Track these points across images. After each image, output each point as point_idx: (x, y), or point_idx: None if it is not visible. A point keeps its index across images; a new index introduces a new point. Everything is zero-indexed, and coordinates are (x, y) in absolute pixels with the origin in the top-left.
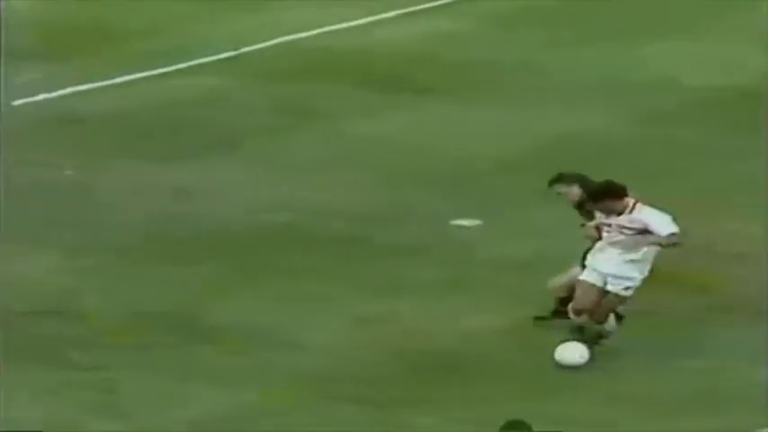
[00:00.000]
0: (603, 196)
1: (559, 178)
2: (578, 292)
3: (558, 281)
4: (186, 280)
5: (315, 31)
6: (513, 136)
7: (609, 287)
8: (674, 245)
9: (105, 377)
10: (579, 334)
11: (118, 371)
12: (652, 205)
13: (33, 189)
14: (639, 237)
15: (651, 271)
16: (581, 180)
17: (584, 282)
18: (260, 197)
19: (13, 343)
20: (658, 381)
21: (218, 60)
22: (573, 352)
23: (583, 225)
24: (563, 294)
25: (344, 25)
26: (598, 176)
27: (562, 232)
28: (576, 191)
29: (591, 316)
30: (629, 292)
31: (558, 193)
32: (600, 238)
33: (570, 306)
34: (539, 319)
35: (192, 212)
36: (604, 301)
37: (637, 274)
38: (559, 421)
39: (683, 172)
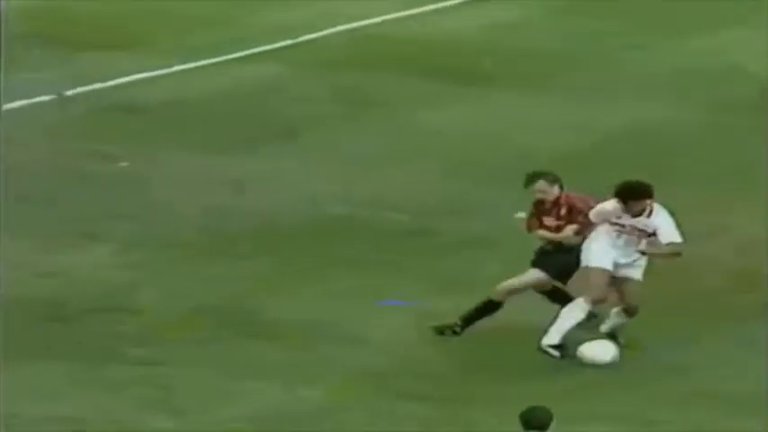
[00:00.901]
0: (631, 197)
1: (540, 175)
2: (592, 281)
3: (510, 284)
4: (244, 274)
5: (376, 20)
6: (578, 127)
7: (628, 273)
8: (675, 254)
9: (160, 373)
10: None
11: (173, 366)
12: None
13: (87, 180)
14: (645, 239)
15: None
16: (559, 180)
17: (594, 269)
18: (319, 189)
19: (68, 338)
20: (744, 377)
21: (277, 49)
22: (604, 350)
23: (530, 223)
24: (504, 299)
25: (405, 13)
26: (669, 169)
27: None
28: (555, 191)
29: (626, 308)
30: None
31: (537, 192)
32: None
33: (590, 297)
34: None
35: (250, 205)
36: (632, 291)
37: (643, 262)
38: (620, 419)
39: (757, 165)
